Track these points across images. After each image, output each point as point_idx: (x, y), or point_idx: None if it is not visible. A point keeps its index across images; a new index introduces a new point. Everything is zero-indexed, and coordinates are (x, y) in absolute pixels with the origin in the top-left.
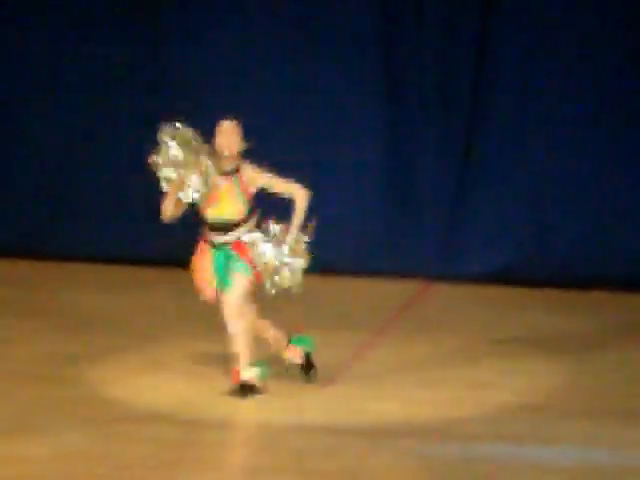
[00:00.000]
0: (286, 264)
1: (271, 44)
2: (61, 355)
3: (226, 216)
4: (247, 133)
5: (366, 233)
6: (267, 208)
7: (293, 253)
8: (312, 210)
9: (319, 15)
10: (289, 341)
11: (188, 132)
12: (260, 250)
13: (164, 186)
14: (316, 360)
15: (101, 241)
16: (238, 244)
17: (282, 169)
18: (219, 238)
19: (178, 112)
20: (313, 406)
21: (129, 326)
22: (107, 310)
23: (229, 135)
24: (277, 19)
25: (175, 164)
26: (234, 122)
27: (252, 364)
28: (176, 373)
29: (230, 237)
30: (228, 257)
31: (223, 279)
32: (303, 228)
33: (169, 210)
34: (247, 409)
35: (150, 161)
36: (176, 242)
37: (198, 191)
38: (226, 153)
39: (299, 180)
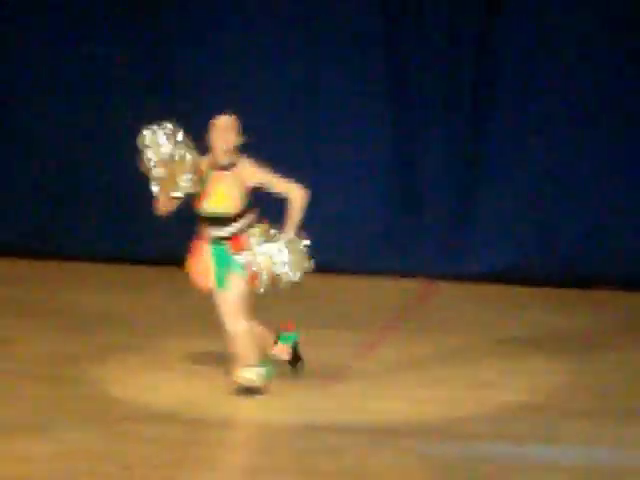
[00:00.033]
0: (281, 263)
1: (271, 44)
2: (61, 355)
3: (221, 209)
4: (247, 133)
5: (367, 233)
6: (264, 207)
7: (288, 253)
8: (314, 210)
9: (319, 15)
10: (277, 339)
11: (175, 131)
12: (256, 249)
13: (154, 186)
14: (317, 360)
15: (101, 241)
16: (236, 242)
17: (283, 169)
18: (215, 231)
19: (178, 112)
20: (314, 406)
21: (129, 326)
22: (107, 310)
23: (225, 130)
24: (277, 19)
25: (165, 162)
26: (230, 117)
27: (256, 364)
28: (176, 373)
29: (226, 232)
30: (225, 256)
31: (220, 278)
32: (299, 229)
33: (163, 205)
34: (248, 409)
35: (141, 162)
36: (175, 242)
37: (189, 187)
38: (222, 148)
39: (300, 180)
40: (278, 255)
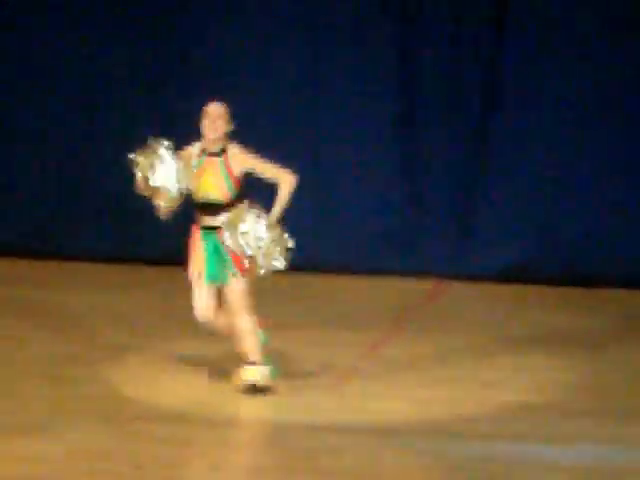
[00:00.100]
0: (264, 243)
1: (271, 44)
2: (61, 355)
3: (212, 197)
4: (247, 133)
5: (367, 233)
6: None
7: (270, 237)
8: (315, 209)
9: (319, 15)
10: None
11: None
12: (240, 229)
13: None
14: (324, 360)
15: (101, 241)
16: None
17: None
18: (207, 220)
19: (178, 112)
20: (315, 406)
21: (129, 326)
22: (107, 310)
23: (215, 118)
24: (277, 19)
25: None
26: (221, 104)
27: (262, 363)
28: (179, 372)
29: (218, 221)
30: (217, 246)
31: (212, 268)
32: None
33: (163, 209)
34: (255, 408)
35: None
36: (175, 242)
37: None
38: (212, 136)
39: (300, 180)
40: (260, 233)
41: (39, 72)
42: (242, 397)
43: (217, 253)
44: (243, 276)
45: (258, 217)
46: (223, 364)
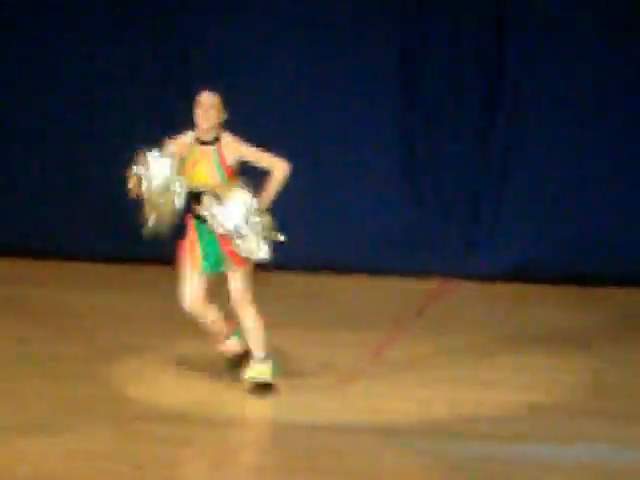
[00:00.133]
0: (245, 226)
1: (271, 44)
2: (62, 355)
3: (205, 186)
4: (247, 133)
5: (367, 232)
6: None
7: (256, 221)
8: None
9: (319, 15)
10: (232, 335)
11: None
12: (224, 210)
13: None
14: (324, 360)
15: (101, 241)
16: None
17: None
18: (201, 209)
19: (178, 112)
20: (316, 406)
21: (130, 326)
22: (108, 310)
23: (208, 107)
24: (277, 19)
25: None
26: (214, 94)
27: (265, 359)
28: (179, 372)
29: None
30: (210, 235)
31: (206, 257)
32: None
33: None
34: (255, 408)
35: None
36: (176, 241)
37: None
38: (205, 125)
39: (301, 180)
40: (242, 214)
41: (39, 72)
42: (242, 397)
43: (212, 242)
44: (243, 269)
45: (247, 199)
46: (223, 364)
